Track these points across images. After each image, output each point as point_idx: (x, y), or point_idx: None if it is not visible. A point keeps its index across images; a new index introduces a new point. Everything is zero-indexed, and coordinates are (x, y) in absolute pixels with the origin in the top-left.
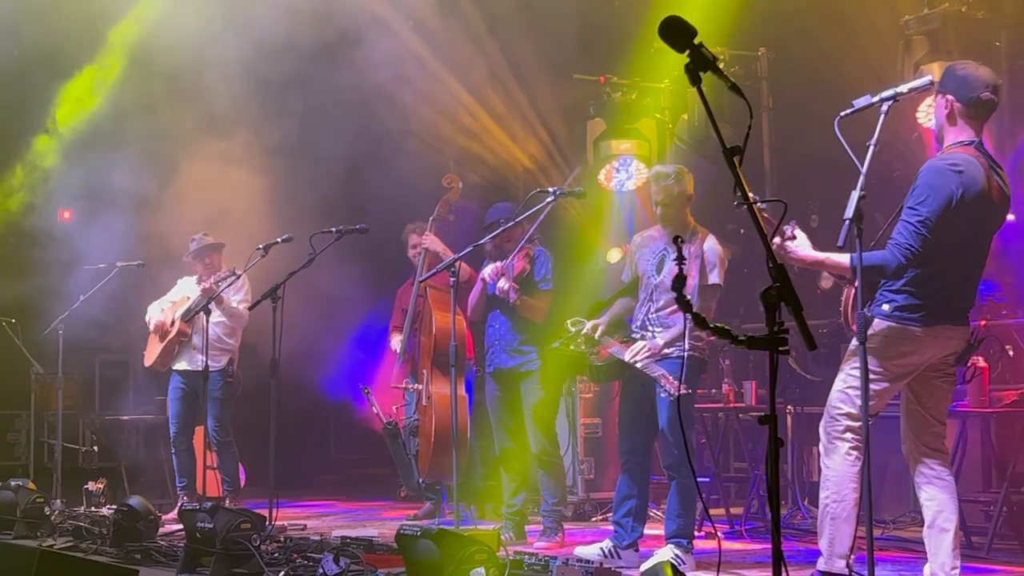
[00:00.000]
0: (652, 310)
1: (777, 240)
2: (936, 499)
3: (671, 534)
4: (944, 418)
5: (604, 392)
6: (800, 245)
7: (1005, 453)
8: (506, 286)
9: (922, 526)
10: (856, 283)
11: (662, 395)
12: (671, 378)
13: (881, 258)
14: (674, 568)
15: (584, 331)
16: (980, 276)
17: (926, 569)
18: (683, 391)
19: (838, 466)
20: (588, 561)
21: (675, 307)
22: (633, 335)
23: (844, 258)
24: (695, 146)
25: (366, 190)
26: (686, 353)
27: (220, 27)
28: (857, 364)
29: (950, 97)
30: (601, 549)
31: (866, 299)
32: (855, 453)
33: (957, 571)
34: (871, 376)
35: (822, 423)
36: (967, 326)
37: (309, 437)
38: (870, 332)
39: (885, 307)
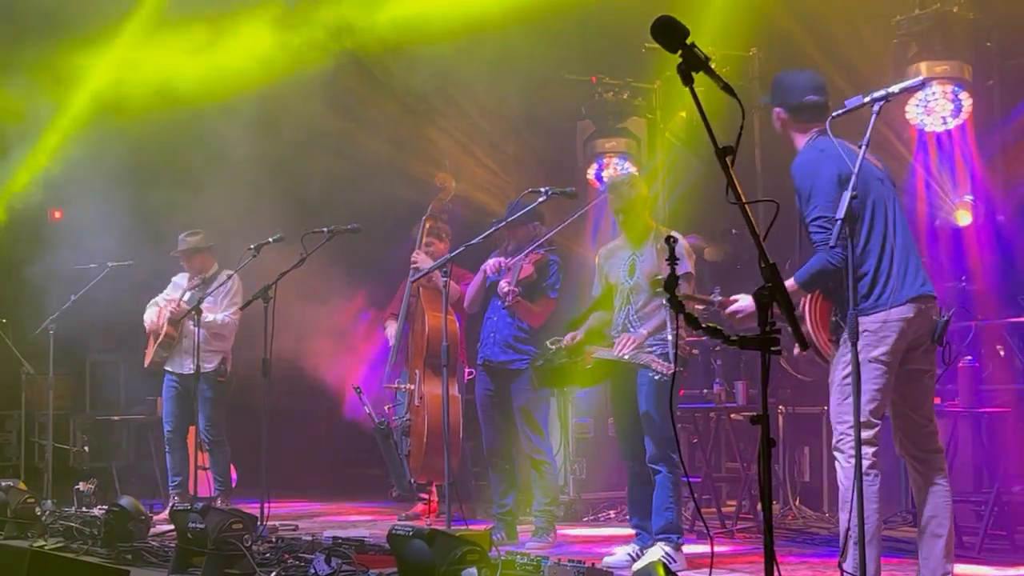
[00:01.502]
0: (632, 312)
1: (726, 315)
2: (929, 503)
3: (660, 530)
4: (933, 415)
5: (596, 392)
6: (742, 303)
7: (996, 453)
8: (506, 288)
9: (913, 526)
10: (848, 284)
11: (655, 377)
12: (660, 361)
13: (819, 262)
14: (666, 568)
15: (563, 344)
16: (915, 248)
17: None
18: (676, 369)
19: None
20: (580, 561)
21: (655, 304)
22: (614, 340)
23: (789, 283)
24: (691, 145)
25: (359, 189)
26: (671, 335)
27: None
28: (845, 372)
29: (778, 109)
30: (629, 555)
31: (837, 307)
32: (873, 471)
33: None
34: (872, 374)
35: (834, 442)
36: (932, 299)
37: (300, 437)
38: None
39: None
